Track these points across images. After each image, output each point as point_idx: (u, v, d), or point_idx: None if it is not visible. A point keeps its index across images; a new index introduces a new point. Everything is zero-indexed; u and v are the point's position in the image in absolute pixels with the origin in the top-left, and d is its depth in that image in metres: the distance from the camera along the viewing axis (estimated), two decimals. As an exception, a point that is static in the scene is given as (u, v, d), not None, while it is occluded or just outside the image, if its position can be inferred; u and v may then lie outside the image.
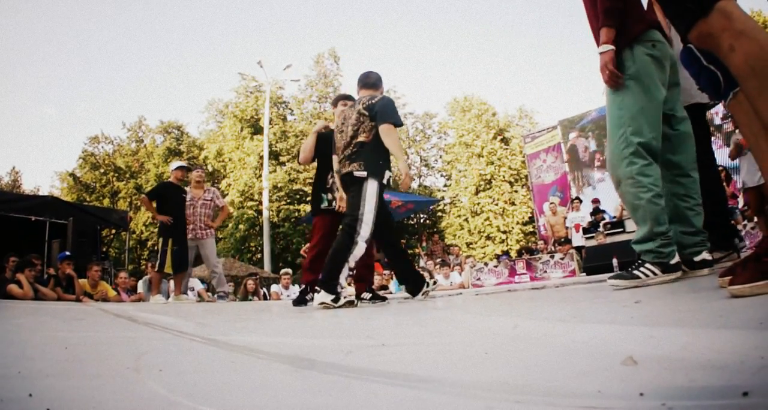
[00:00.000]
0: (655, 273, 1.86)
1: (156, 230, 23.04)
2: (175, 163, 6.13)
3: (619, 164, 2.00)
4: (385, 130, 2.87)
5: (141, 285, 7.01)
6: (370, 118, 2.92)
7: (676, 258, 1.92)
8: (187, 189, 6.04)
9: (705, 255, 2.23)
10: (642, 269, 1.88)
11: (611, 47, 2.01)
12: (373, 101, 2.95)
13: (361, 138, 2.93)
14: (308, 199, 20.67)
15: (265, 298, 7.98)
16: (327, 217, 3.64)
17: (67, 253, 6.32)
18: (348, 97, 3.63)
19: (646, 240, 1.94)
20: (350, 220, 2.83)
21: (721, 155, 9.01)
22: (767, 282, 1.02)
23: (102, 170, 25.55)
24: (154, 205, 5.53)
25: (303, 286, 3.59)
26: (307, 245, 10.73)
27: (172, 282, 7.63)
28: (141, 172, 25.44)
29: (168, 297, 6.82)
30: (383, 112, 2.90)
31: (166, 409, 0.63)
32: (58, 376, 0.85)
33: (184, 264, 5.59)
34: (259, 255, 20.30)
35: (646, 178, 1.93)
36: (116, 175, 25.43)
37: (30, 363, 1.00)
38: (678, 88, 2.18)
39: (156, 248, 23.21)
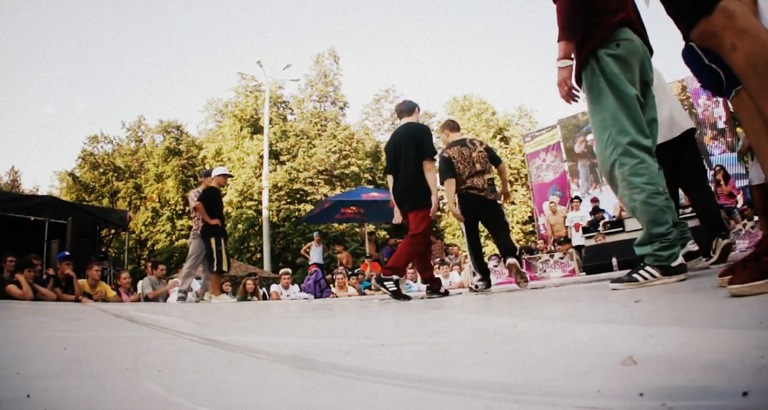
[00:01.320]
0: (654, 276, 1.83)
1: (155, 230, 23.18)
2: (220, 169, 6.17)
3: (610, 168, 1.96)
4: (505, 168, 4.26)
5: (141, 287, 6.99)
6: (490, 159, 4.12)
7: (679, 260, 1.86)
8: (198, 190, 6.21)
9: (690, 247, 2.22)
10: (641, 272, 1.86)
11: (569, 62, 2.00)
12: (486, 145, 4.21)
13: (491, 174, 4.13)
14: (308, 198, 20.81)
15: (264, 298, 7.96)
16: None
17: (67, 253, 6.31)
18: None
19: (645, 243, 1.91)
20: (504, 225, 4.21)
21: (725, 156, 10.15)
22: (767, 282, 1.02)
23: (101, 170, 25.53)
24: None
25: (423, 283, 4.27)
26: (308, 244, 10.77)
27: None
28: (140, 171, 25.42)
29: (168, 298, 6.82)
30: (497, 156, 4.23)
31: (165, 409, 0.63)
32: (56, 377, 0.85)
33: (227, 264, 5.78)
34: (258, 255, 20.29)
35: (638, 177, 1.89)
36: (115, 174, 25.41)
37: (29, 363, 1.00)
38: (650, 87, 2.12)
39: (155, 249, 23.12)
